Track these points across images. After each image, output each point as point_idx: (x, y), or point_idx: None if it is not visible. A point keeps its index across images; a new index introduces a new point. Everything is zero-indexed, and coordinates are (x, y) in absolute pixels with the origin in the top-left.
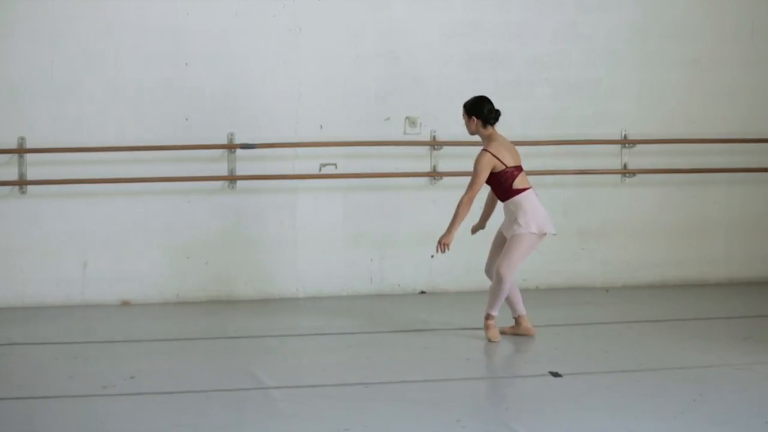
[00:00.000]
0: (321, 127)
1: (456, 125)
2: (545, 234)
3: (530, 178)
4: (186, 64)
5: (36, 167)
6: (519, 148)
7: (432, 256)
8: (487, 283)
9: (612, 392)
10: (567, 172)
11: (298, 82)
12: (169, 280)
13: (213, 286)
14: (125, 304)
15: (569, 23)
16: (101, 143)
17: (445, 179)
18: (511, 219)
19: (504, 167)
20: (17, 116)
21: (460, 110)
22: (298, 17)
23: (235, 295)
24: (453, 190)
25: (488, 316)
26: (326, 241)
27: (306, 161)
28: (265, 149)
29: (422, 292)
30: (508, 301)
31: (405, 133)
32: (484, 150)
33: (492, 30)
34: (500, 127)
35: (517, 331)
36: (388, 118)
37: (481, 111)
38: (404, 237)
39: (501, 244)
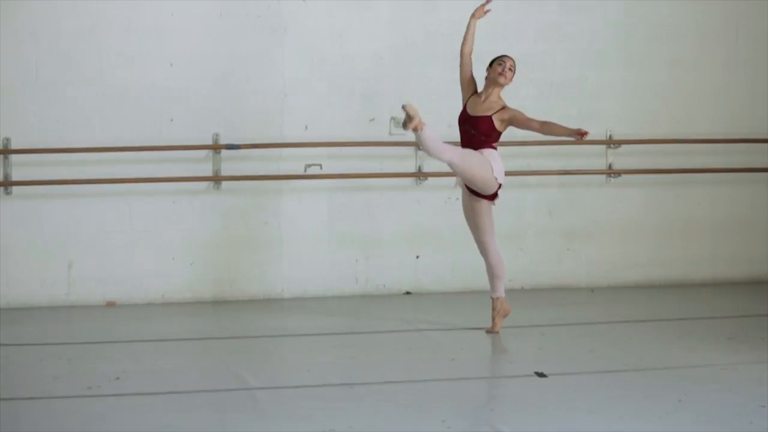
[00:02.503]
0: (306, 127)
1: (441, 126)
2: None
3: (514, 178)
4: (171, 64)
5: (21, 168)
6: (503, 149)
7: (417, 257)
8: (472, 282)
9: (597, 392)
10: (551, 172)
11: (283, 82)
12: (155, 280)
13: (198, 287)
14: (110, 305)
15: (553, 23)
16: (86, 144)
17: (430, 180)
18: None
19: (504, 130)
20: (1, 117)
21: (443, 110)
22: (283, 18)
23: (220, 295)
24: (438, 191)
25: (495, 300)
26: (311, 242)
27: (291, 162)
28: (250, 150)
29: (407, 293)
30: (490, 275)
31: (390, 133)
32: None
33: (476, 30)
34: None
35: (497, 316)
36: (373, 119)
37: None
38: (389, 237)
39: (472, 210)
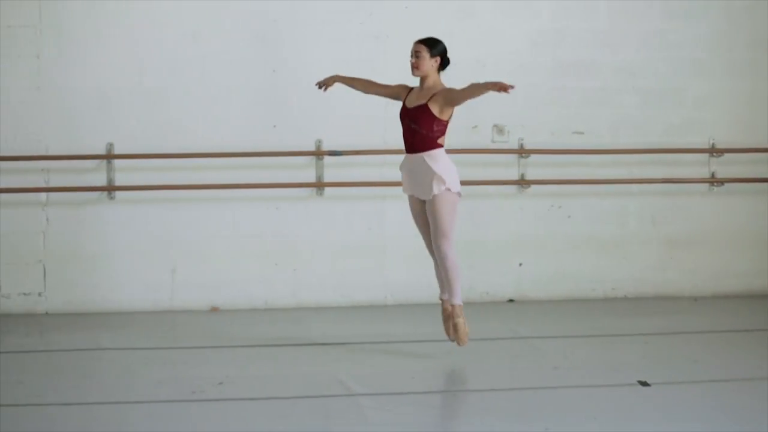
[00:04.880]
0: None
1: (544, 134)
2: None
3: (618, 186)
4: (273, 70)
5: (124, 173)
6: (606, 157)
7: (520, 264)
8: (575, 290)
9: (701, 402)
10: (654, 180)
11: None
12: (258, 286)
13: (301, 293)
14: (214, 310)
15: (655, 31)
16: (189, 149)
17: (533, 187)
18: (426, 177)
19: (449, 118)
20: (106, 122)
21: (546, 117)
22: (384, 24)
23: (323, 302)
24: (541, 198)
25: (453, 308)
26: (415, 249)
27: (394, 168)
28: (353, 156)
29: (510, 300)
30: (439, 278)
31: (492, 141)
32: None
33: (578, 38)
34: (587, 136)
35: (447, 319)
36: (475, 126)
37: (445, 51)
38: (492, 245)
39: (420, 212)
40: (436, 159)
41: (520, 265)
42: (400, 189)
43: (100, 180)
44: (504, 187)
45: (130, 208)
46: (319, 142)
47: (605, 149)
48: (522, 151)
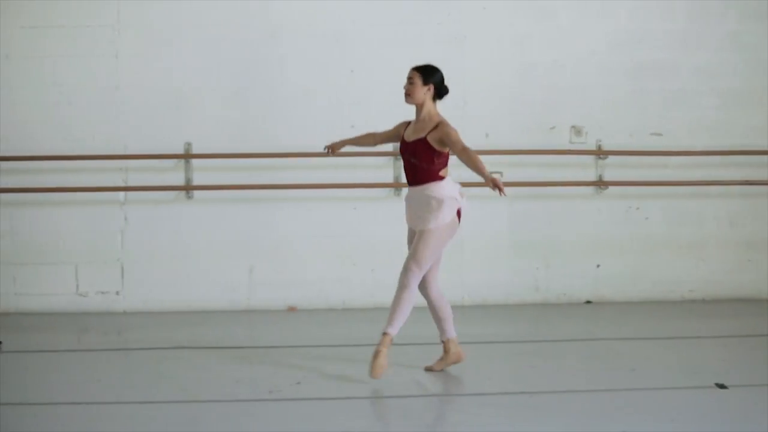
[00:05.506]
0: (486, 135)
1: (622, 135)
2: (458, 220)
3: (695, 188)
4: (352, 71)
5: (202, 173)
6: (684, 159)
7: (598, 266)
8: (653, 293)
9: None
10: (732, 182)
11: (462, 90)
12: (336, 286)
13: (380, 294)
14: (291, 309)
15: (733, 33)
16: (267, 149)
17: (611, 189)
18: (423, 209)
19: (448, 149)
20: (184, 122)
21: (625, 119)
22: (463, 25)
23: None
24: (619, 200)
25: (384, 335)
26: (492, 250)
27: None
28: None
29: (587, 302)
30: (436, 318)
31: (570, 142)
32: (445, 122)
33: (656, 39)
34: (665, 137)
35: (446, 363)
36: (553, 127)
37: (441, 80)
38: (570, 246)
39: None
40: (436, 192)
41: (598, 266)
42: (476, 189)
43: (178, 179)
44: (581, 188)
45: (207, 208)
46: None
47: (683, 151)
48: (600, 153)
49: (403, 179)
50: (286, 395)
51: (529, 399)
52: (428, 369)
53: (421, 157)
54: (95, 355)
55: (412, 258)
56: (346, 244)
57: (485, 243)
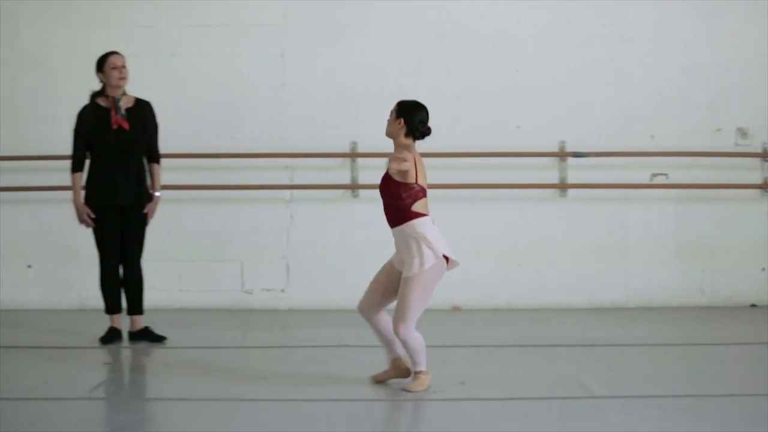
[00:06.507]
0: (652, 137)
1: None
2: (446, 263)
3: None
4: (517, 71)
5: (367, 172)
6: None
7: (763, 269)
8: None
9: None
10: None
11: (628, 90)
12: (500, 286)
13: (544, 294)
14: (456, 309)
15: None
16: (432, 149)
17: None
18: (405, 253)
19: (414, 180)
20: (349, 122)
21: None
22: (629, 25)
23: (564, 303)
24: None
25: (416, 374)
26: (657, 252)
27: (637, 171)
28: (596, 158)
29: (753, 305)
30: (385, 341)
31: (736, 144)
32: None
33: None
34: None
35: (394, 375)
36: (719, 129)
37: (412, 117)
38: (736, 249)
39: (387, 279)
40: (413, 231)
41: (763, 270)
42: (643, 191)
43: (344, 178)
44: (747, 191)
45: (373, 207)
46: (563, 143)
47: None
48: (766, 155)
49: (569, 180)
50: (450, 395)
51: (695, 402)
52: (377, 380)
53: (387, 192)
54: (261, 352)
55: (397, 312)
56: (512, 245)
57: (650, 245)
